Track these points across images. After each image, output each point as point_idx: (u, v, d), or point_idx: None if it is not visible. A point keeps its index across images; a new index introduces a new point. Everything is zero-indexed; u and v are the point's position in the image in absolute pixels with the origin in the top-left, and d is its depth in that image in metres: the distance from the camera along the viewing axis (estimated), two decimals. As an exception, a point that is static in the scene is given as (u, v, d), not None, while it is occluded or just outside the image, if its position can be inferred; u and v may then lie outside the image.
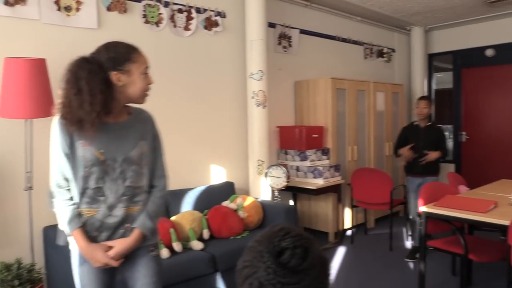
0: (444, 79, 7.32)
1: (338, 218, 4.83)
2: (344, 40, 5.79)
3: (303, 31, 5.18)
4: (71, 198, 1.79)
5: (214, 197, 3.99)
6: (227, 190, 4.18)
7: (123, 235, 1.81)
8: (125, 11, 3.59)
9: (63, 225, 1.79)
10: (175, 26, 3.94)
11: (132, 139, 1.80)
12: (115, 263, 1.77)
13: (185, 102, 4.06)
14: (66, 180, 1.78)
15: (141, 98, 1.82)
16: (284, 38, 4.95)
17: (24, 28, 3.07)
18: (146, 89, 1.81)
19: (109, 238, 1.80)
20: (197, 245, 3.36)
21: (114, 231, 1.80)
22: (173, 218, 3.56)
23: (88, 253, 1.76)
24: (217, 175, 4.33)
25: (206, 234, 3.57)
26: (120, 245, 1.78)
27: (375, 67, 6.41)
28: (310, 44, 5.31)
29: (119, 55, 1.72)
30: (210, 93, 4.25)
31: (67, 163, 1.75)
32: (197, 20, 4.08)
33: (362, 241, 4.91)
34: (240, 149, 4.50)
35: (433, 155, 4.16)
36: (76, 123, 1.64)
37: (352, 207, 4.90)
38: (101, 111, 1.64)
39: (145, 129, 1.87)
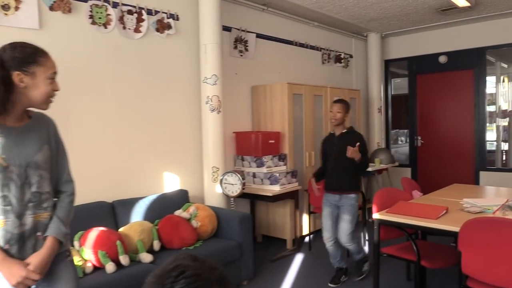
0: (401, 85, 7.47)
1: (296, 224, 4.77)
2: (301, 45, 5.78)
3: (259, 35, 5.12)
4: None
5: (166, 206, 3.84)
6: (180, 198, 4.04)
7: (34, 246, 1.71)
8: (69, 11, 3.40)
9: None
10: (124, 28, 3.77)
11: (35, 143, 1.72)
12: (36, 276, 1.65)
13: (136, 108, 3.89)
14: None
15: (44, 103, 1.74)
16: (240, 42, 4.86)
17: (-46, 27, 2.83)
18: (51, 95, 1.74)
19: (20, 250, 1.68)
20: (146, 257, 3.20)
21: (25, 242, 1.69)
22: (121, 229, 3.38)
23: (3, 268, 1.62)
24: (171, 183, 4.18)
25: (156, 245, 3.41)
26: (37, 257, 1.68)
27: (332, 73, 6.43)
28: (267, 49, 5.25)
29: (25, 55, 1.65)
30: (163, 98, 4.10)
31: None
32: (148, 22, 3.93)
33: (320, 248, 4.84)
34: (194, 155, 4.37)
35: (354, 151, 3.43)
36: None
37: (310, 213, 4.85)
38: None
39: (48, 133, 1.80)
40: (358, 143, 3.49)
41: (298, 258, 4.50)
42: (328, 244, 3.76)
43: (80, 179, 3.53)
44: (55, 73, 1.73)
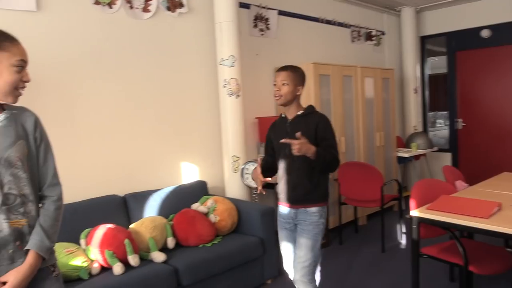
0: (438, 64, 6.89)
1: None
2: (328, 22, 5.34)
3: (282, 12, 4.72)
4: None
5: (183, 199, 3.57)
6: (198, 190, 3.75)
7: (12, 257, 1.47)
8: (70, -10, 3.12)
9: None
10: (131, 7, 3.47)
11: (7, 137, 1.49)
12: None
13: (148, 95, 3.60)
14: None
15: (9, 94, 1.51)
16: (260, 20, 4.49)
17: None
18: (17, 85, 1.50)
19: None
20: (158, 256, 2.93)
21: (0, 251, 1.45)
22: (131, 226, 3.13)
23: None
24: (188, 174, 3.89)
25: (170, 242, 3.14)
26: (16, 275, 1.44)
27: (363, 51, 5.96)
28: (290, 27, 4.85)
29: None
30: (176, 83, 3.80)
31: None
32: (157, 0, 3.61)
33: (352, 241, 4.50)
34: (213, 144, 4.06)
35: (302, 144, 2.19)
36: None
37: (340, 204, 4.48)
38: None
39: (25, 128, 1.56)
40: (299, 132, 2.22)
41: (328, 253, 4.16)
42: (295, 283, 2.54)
43: (89, 171, 3.33)
44: (23, 61, 1.50)
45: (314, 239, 2.43)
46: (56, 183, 1.63)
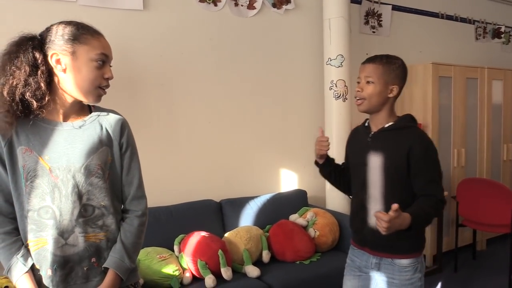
0: None
1: (438, 237, 3.87)
2: (449, 17, 4.75)
3: (396, 7, 4.27)
4: (15, 230, 1.32)
5: (280, 208, 3.34)
6: (297, 200, 3.50)
7: (87, 275, 1.33)
8: (176, -12, 3.05)
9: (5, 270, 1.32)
10: (236, 4, 3.32)
11: (89, 143, 1.35)
12: None
13: (249, 96, 3.43)
14: (10, 203, 1.33)
15: (89, 93, 1.34)
16: (372, 16, 4.09)
17: (59, 11, 2.65)
18: (98, 83, 1.34)
19: (65, 279, 1.31)
20: (252, 271, 2.72)
21: (73, 267, 1.31)
22: (226, 235, 2.96)
23: None
24: (287, 182, 3.65)
25: (266, 256, 2.92)
26: None
27: (489, 50, 5.24)
28: (405, 23, 4.37)
29: (65, 32, 1.31)
30: (279, 85, 3.57)
31: (7, 179, 1.31)
32: (263, -4, 3.42)
33: (469, 269, 3.90)
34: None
35: (385, 218, 1.46)
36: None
37: (457, 226, 3.90)
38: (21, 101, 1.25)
39: (111, 133, 1.40)
40: (396, 205, 1.46)
41: (440, 280, 3.64)
42: None
43: (186, 173, 3.21)
44: (104, 55, 1.34)
45: None
46: (141, 196, 1.46)
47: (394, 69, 1.75)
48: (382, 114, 1.77)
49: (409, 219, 1.52)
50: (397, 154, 1.70)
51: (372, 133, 1.79)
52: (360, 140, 1.86)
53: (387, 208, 1.55)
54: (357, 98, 1.77)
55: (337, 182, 2.03)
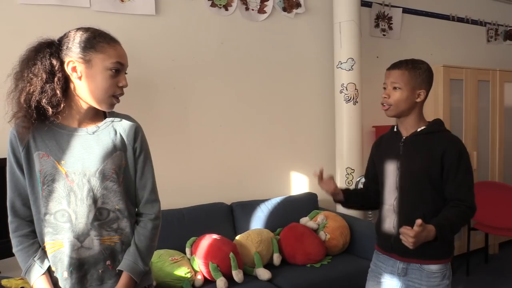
0: None
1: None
2: (460, 19, 4.72)
3: (406, 10, 4.26)
4: (32, 233, 1.36)
5: (291, 211, 3.35)
6: (308, 203, 3.50)
7: (102, 278, 1.36)
8: (188, -7, 3.09)
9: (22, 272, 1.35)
10: (247, 9, 3.34)
11: (104, 148, 1.38)
12: None
13: (260, 99, 3.45)
14: (27, 207, 1.36)
15: (102, 102, 1.36)
16: (383, 19, 4.09)
17: (73, 16, 2.70)
18: (112, 91, 1.36)
19: (81, 281, 1.34)
20: (263, 274, 2.74)
21: (88, 270, 1.34)
22: (237, 237, 2.98)
23: None
24: (297, 185, 3.66)
25: (276, 259, 2.94)
26: None
27: (501, 52, 5.19)
28: (416, 26, 4.36)
29: (82, 39, 1.32)
30: (290, 88, 3.59)
31: (24, 183, 1.35)
32: (273, 1, 3.43)
33: (481, 273, 3.87)
34: (326, 153, 3.77)
35: (411, 234, 1.50)
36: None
37: (469, 229, 3.88)
38: (39, 107, 1.28)
39: (124, 138, 1.43)
40: (419, 220, 1.50)
41: (452, 284, 3.61)
42: None
43: (198, 176, 3.22)
44: (119, 63, 1.35)
45: None
46: (154, 200, 1.48)
47: (420, 73, 1.75)
48: (412, 118, 1.78)
49: (434, 231, 1.54)
50: (431, 158, 1.70)
51: (404, 137, 1.79)
52: (390, 146, 1.85)
53: (419, 214, 1.60)
54: (384, 104, 1.78)
55: (367, 204, 2.03)
